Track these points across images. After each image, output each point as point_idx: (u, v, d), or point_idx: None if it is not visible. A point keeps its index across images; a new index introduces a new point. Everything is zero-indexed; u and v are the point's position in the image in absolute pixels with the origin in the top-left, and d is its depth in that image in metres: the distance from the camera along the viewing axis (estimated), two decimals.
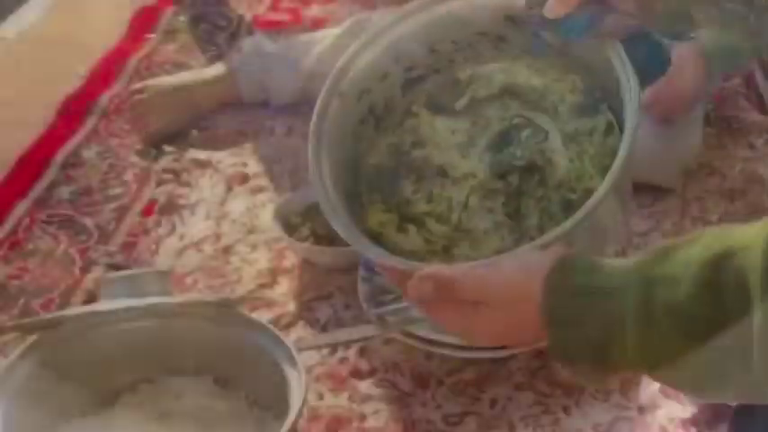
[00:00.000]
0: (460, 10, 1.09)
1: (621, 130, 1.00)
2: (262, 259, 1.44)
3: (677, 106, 1.52)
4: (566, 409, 1.19)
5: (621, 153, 0.94)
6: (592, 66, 1.03)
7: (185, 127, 1.78)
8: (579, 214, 0.95)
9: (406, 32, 1.10)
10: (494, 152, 1.05)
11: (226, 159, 1.68)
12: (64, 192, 1.61)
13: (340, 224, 1.01)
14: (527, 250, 0.93)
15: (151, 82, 1.81)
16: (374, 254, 1.02)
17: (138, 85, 1.78)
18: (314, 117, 1.06)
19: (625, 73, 0.97)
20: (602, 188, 0.95)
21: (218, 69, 1.84)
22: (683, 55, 1.48)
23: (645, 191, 1.55)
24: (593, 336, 0.76)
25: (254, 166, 1.67)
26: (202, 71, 1.87)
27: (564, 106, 1.06)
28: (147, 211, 1.55)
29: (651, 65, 1.36)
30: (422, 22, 1.10)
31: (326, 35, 1.84)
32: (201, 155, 1.69)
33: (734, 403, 0.94)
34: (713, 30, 1.41)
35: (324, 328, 1.30)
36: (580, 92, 1.07)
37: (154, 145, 1.73)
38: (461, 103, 1.09)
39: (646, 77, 1.23)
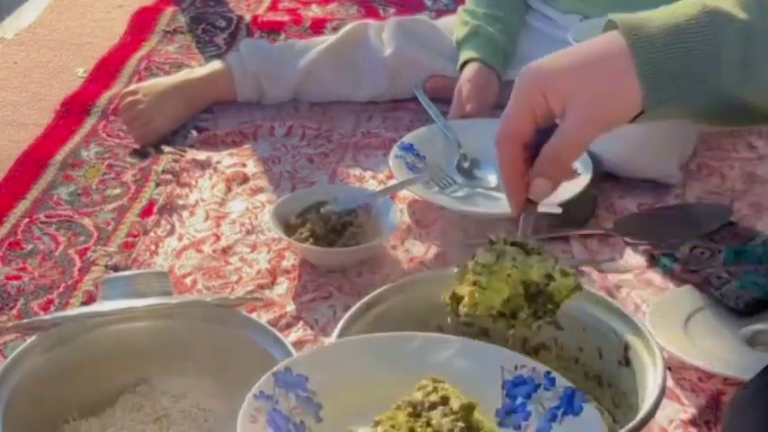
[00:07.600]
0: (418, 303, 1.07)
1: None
2: (261, 260, 1.44)
3: None
4: None
5: None
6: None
7: (181, 127, 1.78)
8: None
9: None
10: None
11: (225, 159, 1.68)
12: (63, 192, 1.61)
13: None
14: None
15: (144, 84, 1.81)
16: None
17: (130, 87, 1.78)
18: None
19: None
20: None
21: (212, 68, 1.84)
22: None
23: (645, 190, 1.55)
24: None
25: (253, 167, 1.66)
26: (196, 70, 1.87)
27: None
28: (146, 212, 1.55)
29: None
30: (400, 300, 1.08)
31: (326, 39, 1.84)
32: (201, 155, 1.69)
33: None
34: None
35: (323, 329, 1.30)
36: None
37: (151, 145, 1.73)
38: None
39: None
